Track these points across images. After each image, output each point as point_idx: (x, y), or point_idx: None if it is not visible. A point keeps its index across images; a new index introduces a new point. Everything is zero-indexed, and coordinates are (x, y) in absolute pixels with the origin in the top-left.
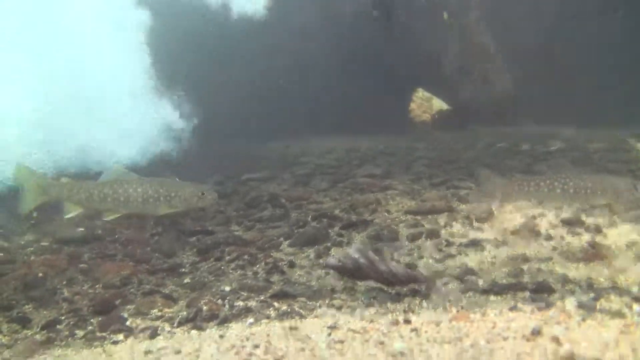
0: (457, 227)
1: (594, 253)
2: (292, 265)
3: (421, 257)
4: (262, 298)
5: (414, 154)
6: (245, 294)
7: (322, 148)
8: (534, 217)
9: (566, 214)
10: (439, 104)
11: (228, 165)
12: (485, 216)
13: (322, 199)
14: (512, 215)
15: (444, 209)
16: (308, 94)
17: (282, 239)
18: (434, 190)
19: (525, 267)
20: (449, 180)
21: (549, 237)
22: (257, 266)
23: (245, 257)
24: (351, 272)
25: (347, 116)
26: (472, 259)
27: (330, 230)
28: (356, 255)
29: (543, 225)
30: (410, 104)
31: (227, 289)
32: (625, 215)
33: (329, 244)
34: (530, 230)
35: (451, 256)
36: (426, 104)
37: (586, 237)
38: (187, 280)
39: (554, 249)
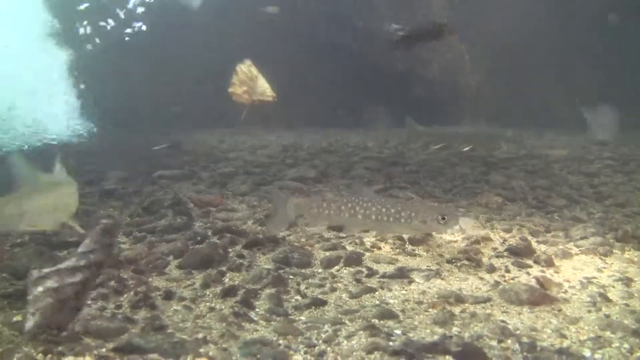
0: (386, 249)
1: (542, 294)
2: (168, 296)
3: (334, 290)
4: (102, 351)
5: (359, 153)
6: (89, 342)
7: (259, 142)
8: (477, 242)
9: (514, 239)
10: (264, 87)
11: (141, 159)
12: (421, 237)
13: (237, 205)
14: (453, 237)
15: None
16: None
17: (171, 257)
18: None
19: (457, 310)
20: (389, 187)
21: (491, 269)
22: (124, 296)
23: (112, 282)
24: None
25: (295, 108)
26: (395, 295)
27: (230, 249)
28: None
29: (487, 252)
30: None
31: (64, 333)
32: (584, 241)
33: (224, 268)
34: (470, 259)
35: (371, 290)
36: (250, 82)
37: (535, 270)
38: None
39: (496, 285)
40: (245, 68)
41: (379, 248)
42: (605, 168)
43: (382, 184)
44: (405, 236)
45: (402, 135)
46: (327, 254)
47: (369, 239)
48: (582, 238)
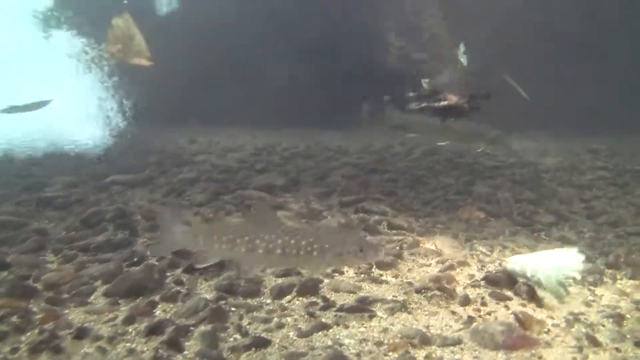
0: (349, 274)
1: (521, 337)
2: (80, 335)
3: (281, 327)
4: None
5: (338, 158)
6: None
7: (233, 143)
8: (452, 267)
9: (494, 264)
10: (140, 48)
11: (98, 160)
12: (390, 261)
13: (191, 217)
14: (427, 261)
15: None
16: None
17: (99, 282)
18: (339, 213)
19: (422, 354)
20: (363, 199)
21: (465, 301)
22: (27, 334)
23: (15, 318)
24: None
25: (272, 108)
26: (351, 334)
27: (169, 273)
28: None
29: (462, 279)
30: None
31: None
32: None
33: (157, 297)
34: (442, 289)
35: (324, 327)
36: (126, 40)
37: (515, 303)
38: None
39: (469, 322)
40: (122, 22)
41: (342, 273)
42: (598, 180)
43: (356, 194)
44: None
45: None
46: (280, 280)
47: None
48: None
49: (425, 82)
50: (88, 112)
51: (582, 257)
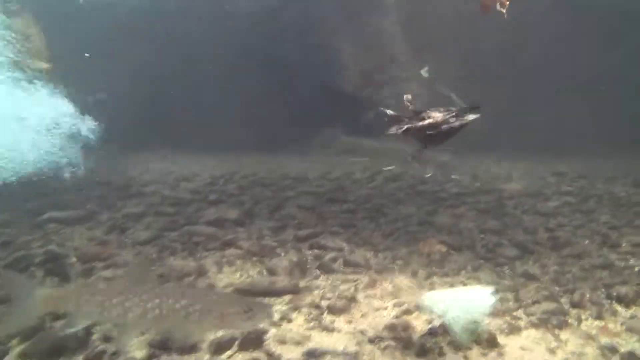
0: (298, 321)
1: None
2: None
3: None
4: None
5: (296, 187)
6: None
7: (188, 171)
8: (408, 312)
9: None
10: (37, 51)
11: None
12: (344, 304)
13: (132, 258)
14: (383, 303)
15: (288, 289)
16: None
17: (15, 340)
18: (293, 250)
19: None
20: (320, 233)
21: (422, 351)
22: None
23: None
24: None
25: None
26: None
27: (94, 329)
28: None
29: (419, 325)
30: None
31: None
32: (535, 307)
33: (79, 359)
34: (397, 338)
35: None
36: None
37: (475, 353)
38: None
39: None
40: (23, 22)
41: (290, 320)
42: (563, 206)
43: (312, 227)
44: (324, 303)
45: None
46: (220, 333)
47: (279, 306)
48: (533, 303)
49: (407, 100)
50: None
51: (492, 299)
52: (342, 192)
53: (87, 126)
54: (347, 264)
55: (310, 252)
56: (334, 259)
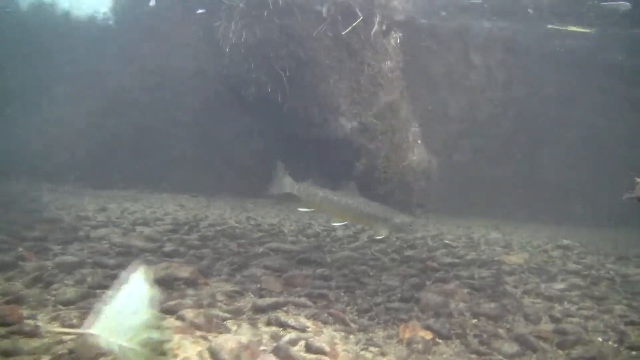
0: None
1: None
2: None
3: None
4: None
5: (267, 241)
6: None
7: (152, 214)
8: None
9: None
10: None
11: None
12: None
13: (46, 324)
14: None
15: None
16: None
17: None
18: (248, 324)
19: None
20: (284, 303)
21: None
22: None
23: None
24: None
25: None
26: None
27: None
28: None
29: None
30: None
31: None
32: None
33: None
34: None
35: None
36: None
37: None
38: None
39: None
40: None
41: None
42: (571, 289)
43: (276, 295)
44: None
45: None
46: None
47: None
48: None
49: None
50: None
51: None
52: (318, 252)
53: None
54: (309, 349)
55: (267, 329)
56: (294, 342)
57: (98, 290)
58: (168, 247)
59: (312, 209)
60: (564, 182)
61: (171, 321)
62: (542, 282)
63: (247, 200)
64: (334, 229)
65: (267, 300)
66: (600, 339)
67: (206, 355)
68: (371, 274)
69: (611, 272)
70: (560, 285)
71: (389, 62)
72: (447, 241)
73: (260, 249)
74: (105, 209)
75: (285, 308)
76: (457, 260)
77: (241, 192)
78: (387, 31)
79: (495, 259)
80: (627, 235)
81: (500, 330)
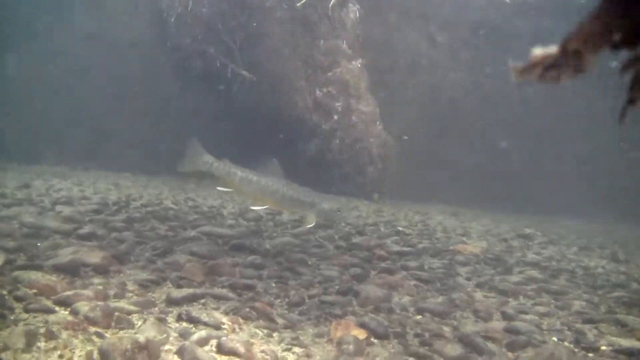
0: None
1: None
2: None
3: None
4: None
5: (202, 224)
6: None
7: (78, 192)
8: None
9: None
10: None
11: None
12: None
13: None
14: None
15: None
16: None
17: None
18: (155, 320)
19: None
20: (202, 295)
21: None
22: None
23: None
24: None
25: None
26: None
27: None
28: None
29: None
30: None
31: None
32: None
33: None
34: None
35: None
36: None
37: None
38: None
39: None
40: None
41: None
42: (527, 282)
43: (196, 285)
44: None
45: None
46: None
47: None
48: None
49: None
50: None
51: None
52: (256, 237)
53: None
54: (220, 349)
55: (178, 324)
56: (204, 341)
57: None
58: (85, 229)
59: (231, 190)
60: (532, 169)
61: (62, 315)
62: (497, 274)
63: (191, 181)
64: (279, 212)
65: (183, 292)
66: (555, 338)
67: (96, 356)
68: (310, 263)
69: (572, 263)
70: (516, 278)
71: (346, 36)
72: (400, 228)
73: (192, 233)
74: (29, 186)
75: (202, 301)
76: (407, 249)
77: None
78: (345, 3)
79: (450, 248)
80: (594, 225)
81: (445, 329)
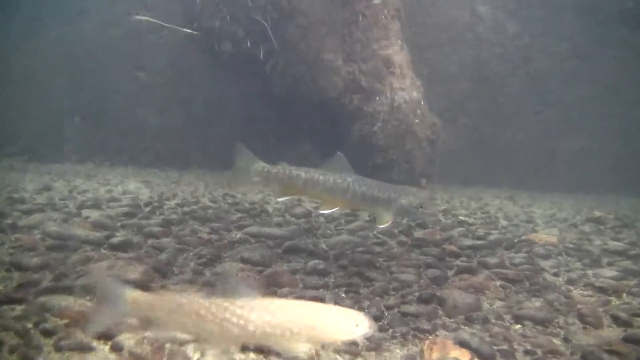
0: None
1: None
2: None
3: None
4: None
5: (247, 224)
6: None
7: (105, 193)
8: None
9: None
10: None
11: None
12: None
13: None
14: None
15: None
16: None
17: None
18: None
19: None
20: None
21: None
22: None
23: None
24: None
25: None
26: None
27: None
28: None
29: None
30: None
31: None
32: None
33: None
34: None
35: None
36: None
37: None
38: None
39: None
40: None
41: None
42: (626, 277)
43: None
44: None
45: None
46: None
47: None
48: None
49: None
50: None
51: None
52: (309, 236)
53: None
54: None
55: (244, 356)
56: None
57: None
58: (118, 237)
59: (294, 196)
60: (580, 148)
61: (103, 352)
62: (586, 267)
63: (226, 175)
64: (353, 213)
65: None
66: None
67: None
68: (378, 265)
69: None
70: (611, 272)
71: (386, 11)
72: (462, 217)
73: (238, 235)
74: (50, 188)
75: None
76: (479, 242)
77: (219, 165)
78: None
79: (523, 237)
80: None
81: (556, 342)
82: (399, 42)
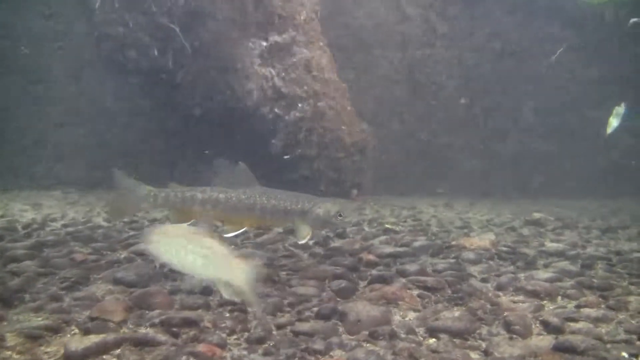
0: None
1: None
2: None
3: None
4: None
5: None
6: None
7: None
8: None
9: None
10: None
11: None
12: None
13: None
14: None
15: None
16: None
17: None
18: None
19: None
20: (123, 342)
21: None
22: None
23: None
24: None
25: None
26: None
27: None
28: None
29: None
30: None
31: None
32: None
33: None
34: None
35: None
36: None
37: None
38: None
39: None
40: None
41: None
42: (561, 278)
43: (113, 328)
44: None
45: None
46: None
47: None
48: None
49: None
50: None
51: None
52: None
53: None
54: None
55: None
56: None
57: None
58: None
59: (192, 222)
60: (522, 151)
61: None
62: (519, 270)
63: (104, 203)
64: (266, 230)
65: (90, 340)
66: (625, 354)
67: None
68: (276, 278)
69: (600, 249)
70: (546, 274)
71: (304, 11)
72: (388, 225)
73: (123, 254)
74: None
75: (117, 351)
76: (401, 250)
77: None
78: None
79: (453, 243)
80: (594, 203)
81: (474, 356)
82: (321, 44)
